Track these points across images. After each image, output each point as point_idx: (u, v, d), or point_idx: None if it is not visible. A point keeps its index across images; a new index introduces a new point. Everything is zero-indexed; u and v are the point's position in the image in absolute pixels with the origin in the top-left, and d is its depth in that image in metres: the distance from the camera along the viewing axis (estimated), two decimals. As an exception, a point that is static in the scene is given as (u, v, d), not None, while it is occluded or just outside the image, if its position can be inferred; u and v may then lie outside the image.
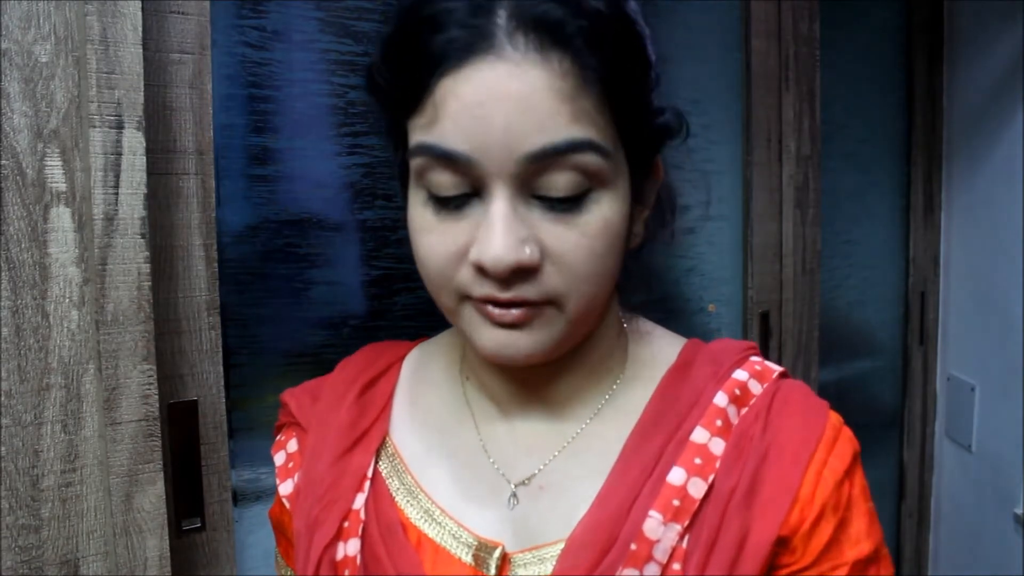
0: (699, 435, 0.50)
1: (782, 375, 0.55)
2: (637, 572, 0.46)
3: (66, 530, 0.68)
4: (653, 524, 0.47)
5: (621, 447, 0.51)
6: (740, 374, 0.53)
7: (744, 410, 0.52)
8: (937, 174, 1.49)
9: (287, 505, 0.57)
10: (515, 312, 0.45)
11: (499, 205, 0.43)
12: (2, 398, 0.64)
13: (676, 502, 0.48)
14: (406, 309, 0.94)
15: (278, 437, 0.62)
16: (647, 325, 0.59)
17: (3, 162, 0.64)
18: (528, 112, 0.41)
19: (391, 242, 0.93)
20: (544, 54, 0.42)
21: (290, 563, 0.60)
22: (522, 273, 0.44)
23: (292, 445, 0.59)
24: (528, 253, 0.43)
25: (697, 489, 0.48)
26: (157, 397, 0.71)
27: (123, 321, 0.69)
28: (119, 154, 0.68)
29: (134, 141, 0.69)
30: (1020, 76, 1.26)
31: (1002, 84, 1.32)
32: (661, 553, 0.47)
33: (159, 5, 0.75)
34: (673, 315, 1.18)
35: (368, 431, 0.56)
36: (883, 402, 1.54)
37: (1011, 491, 1.31)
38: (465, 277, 0.45)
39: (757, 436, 0.50)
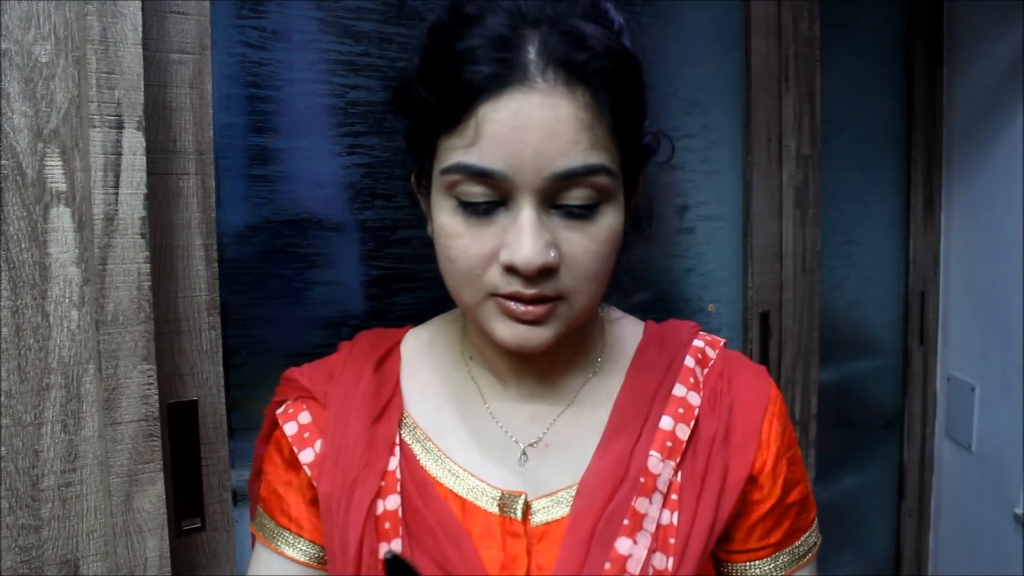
0: (678, 390, 0.61)
1: (725, 344, 0.67)
2: (647, 500, 0.56)
3: (66, 530, 0.68)
4: (654, 461, 0.57)
5: (610, 409, 0.61)
6: (698, 342, 0.66)
7: (706, 370, 0.63)
8: (937, 174, 1.49)
9: (308, 472, 0.61)
10: (535, 310, 0.52)
11: (527, 214, 0.50)
12: (2, 398, 0.64)
13: (669, 443, 0.58)
14: (406, 309, 0.94)
15: (285, 409, 0.64)
16: (615, 312, 0.69)
17: (3, 162, 0.64)
18: (556, 137, 0.49)
19: (391, 242, 0.93)
20: (570, 87, 0.49)
21: (279, 517, 0.63)
22: (546, 273, 0.51)
23: (304, 417, 0.63)
24: (552, 256, 0.51)
25: (683, 432, 0.59)
26: (157, 397, 0.71)
27: (123, 321, 0.69)
28: (119, 154, 0.68)
29: (134, 141, 0.69)
30: (1020, 76, 1.26)
31: (1002, 84, 1.32)
32: (662, 484, 0.57)
33: (159, 5, 0.75)
34: (673, 315, 1.16)
35: (388, 404, 0.62)
36: (883, 402, 1.54)
37: (1011, 491, 1.31)
38: (493, 277, 0.52)
39: (724, 391, 0.62)
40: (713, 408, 0.61)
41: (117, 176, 0.68)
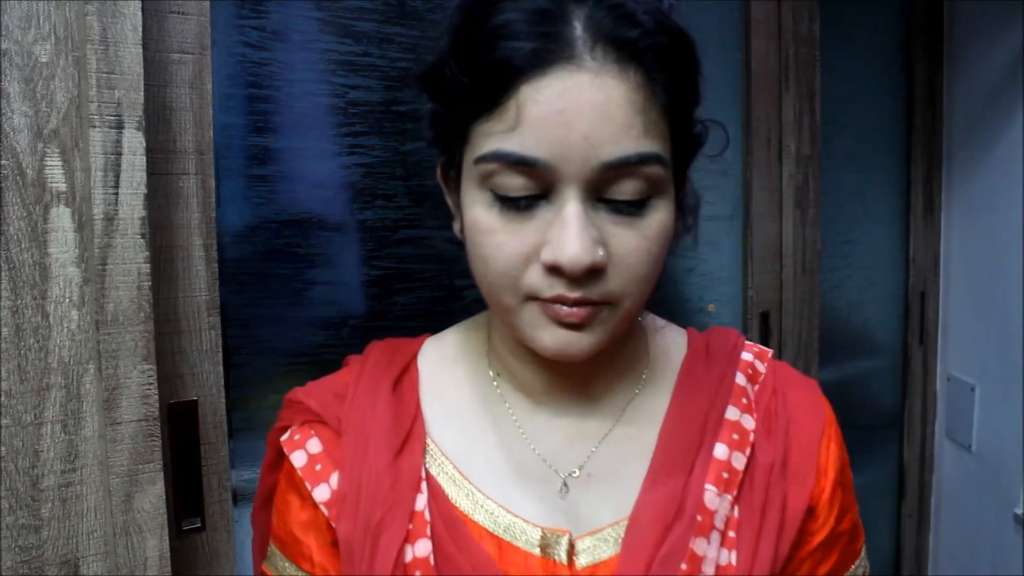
0: (731, 413, 0.56)
1: (772, 355, 0.62)
2: (705, 540, 0.50)
3: (66, 530, 0.68)
4: (711, 496, 0.52)
5: (657, 433, 0.55)
6: (746, 355, 0.60)
7: (756, 386, 0.58)
8: (937, 174, 1.49)
9: (325, 511, 0.54)
10: (580, 312, 0.47)
11: (573, 207, 0.45)
12: (2, 398, 0.64)
13: (725, 475, 0.53)
14: (406, 309, 0.94)
15: (291, 436, 0.57)
16: (658, 320, 0.64)
17: (3, 162, 0.64)
18: (606, 122, 0.43)
19: (391, 242, 0.93)
20: (621, 66, 0.44)
21: (300, 562, 0.56)
22: (593, 273, 0.46)
23: (314, 445, 0.56)
24: (601, 254, 0.45)
25: (739, 462, 0.54)
26: (157, 397, 0.71)
27: (123, 321, 0.69)
28: (119, 154, 0.68)
29: (134, 141, 0.69)
30: (1020, 76, 1.26)
31: (1002, 84, 1.32)
32: (720, 521, 0.52)
33: (159, 5, 0.75)
34: (673, 315, 1.17)
35: (410, 432, 0.55)
36: (883, 402, 1.54)
37: (1011, 491, 1.31)
38: (533, 278, 0.47)
39: (779, 411, 0.56)
40: (768, 432, 0.55)
41: (117, 176, 0.68)
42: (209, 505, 0.80)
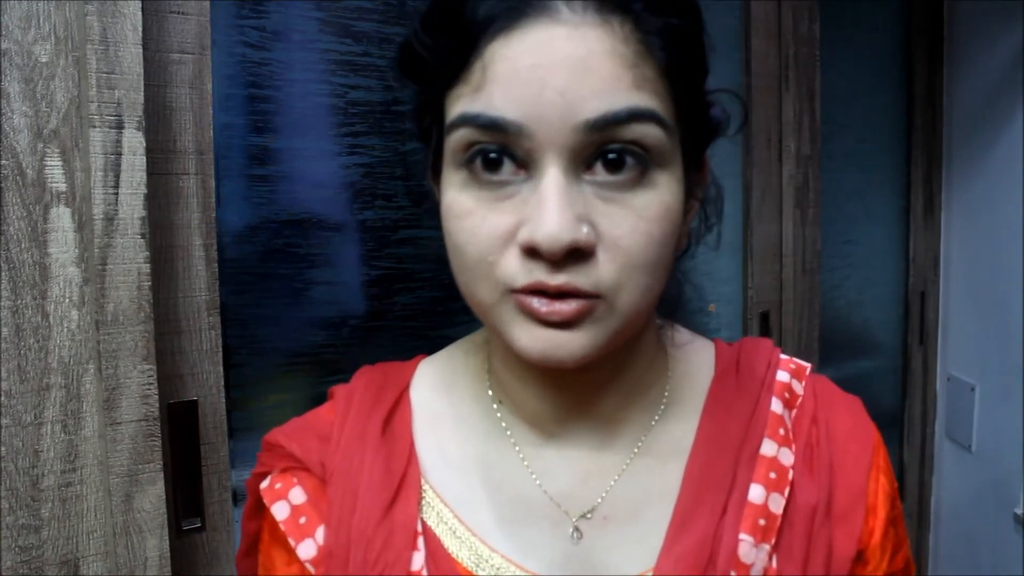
0: (768, 448, 0.49)
1: (811, 370, 0.55)
2: None
3: (66, 530, 0.68)
4: (746, 548, 0.45)
5: (683, 466, 0.49)
6: (782, 375, 0.52)
7: (794, 412, 0.51)
8: (937, 174, 1.49)
9: (311, 570, 0.48)
10: (564, 309, 0.40)
11: (552, 179, 0.39)
12: (2, 398, 0.64)
13: (762, 521, 0.46)
14: (406, 309, 0.94)
15: (271, 484, 0.52)
16: (683, 334, 0.56)
17: (3, 162, 0.64)
18: (587, 76, 0.38)
19: (391, 242, 0.93)
20: (604, 17, 0.38)
21: None
22: (576, 257, 0.39)
23: (297, 495, 0.50)
24: (585, 232, 0.39)
25: (777, 505, 0.47)
26: (157, 397, 0.71)
27: (123, 321, 0.69)
28: (119, 154, 0.68)
29: (134, 141, 0.69)
30: (1020, 76, 1.26)
31: (1002, 84, 1.32)
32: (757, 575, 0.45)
33: (159, 5, 0.75)
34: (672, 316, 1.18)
35: (403, 479, 0.49)
36: (883, 402, 1.54)
37: (1011, 491, 1.31)
38: (510, 265, 0.40)
39: (822, 443, 0.49)
40: (810, 467, 0.49)
41: (117, 176, 0.68)
42: (209, 505, 0.80)
